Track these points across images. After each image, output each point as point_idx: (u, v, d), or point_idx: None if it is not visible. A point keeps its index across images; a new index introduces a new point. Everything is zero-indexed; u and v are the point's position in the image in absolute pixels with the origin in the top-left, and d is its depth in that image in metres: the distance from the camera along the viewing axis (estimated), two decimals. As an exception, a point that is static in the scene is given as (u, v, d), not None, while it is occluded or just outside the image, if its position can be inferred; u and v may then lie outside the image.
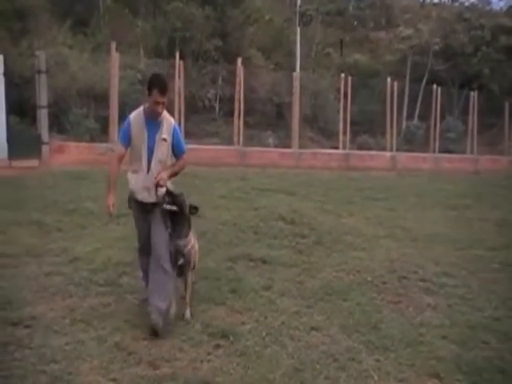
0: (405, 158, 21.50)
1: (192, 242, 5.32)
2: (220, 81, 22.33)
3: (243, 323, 5.23)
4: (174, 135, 5.28)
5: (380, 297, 6.15)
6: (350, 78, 20.99)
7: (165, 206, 5.09)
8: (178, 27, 22.02)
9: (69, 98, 17.76)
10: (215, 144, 19.01)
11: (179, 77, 17.63)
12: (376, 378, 4.40)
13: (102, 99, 16.90)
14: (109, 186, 5.27)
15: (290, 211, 9.59)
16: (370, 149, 22.09)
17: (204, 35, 22.56)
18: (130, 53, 19.39)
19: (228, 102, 20.83)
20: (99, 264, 6.62)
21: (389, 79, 21.89)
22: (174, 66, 17.62)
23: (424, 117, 24.98)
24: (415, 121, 26.13)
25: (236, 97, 18.56)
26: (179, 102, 17.60)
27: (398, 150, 22.04)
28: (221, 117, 22.11)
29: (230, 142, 18.79)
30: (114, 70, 16.02)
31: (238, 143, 18.49)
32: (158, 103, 5.05)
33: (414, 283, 6.64)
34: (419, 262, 7.47)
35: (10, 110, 14.73)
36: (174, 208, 5.12)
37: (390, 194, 13.48)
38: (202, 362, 4.52)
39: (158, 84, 5.04)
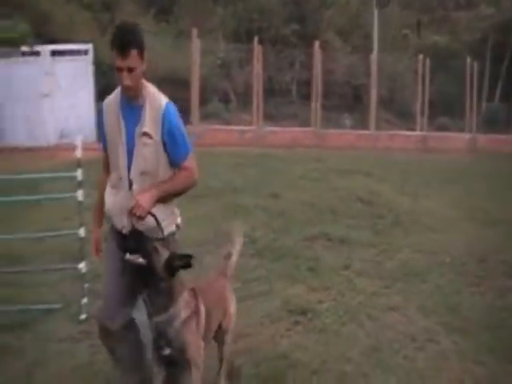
0: (485, 140, 20.65)
1: (183, 315, 3.15)
2: (298, 64, 22.17)
3: (321, 301, 5.21)
4: (164, 127, 3.11)
5: (459, 279, 5.98)
6: (427, 60, 20.33)
7: (127, 256, 3.01)
8: (256, 14, 21.98)
9: (152, 82, 18.08)
10: (292, 126, 18.94)
11: (258, 61, 17.62)
12: (454, 359, 4.28)
13: (183, 84, 17.13)
14: (94, 212, 3.47)
15: (368, 192, 9.45)
16: (448, 130, 21.38)
17: (281, 20, 22.41)
18: (210, 38, 19.53)
19: (305, 85, 20.67)
20: (179, 241, 6.73)
21: (468, 59, 21.05)
22: (252, 51, 17.62)
23: (506, 97, 23.87)
24: (496, 102, 25.05)
25: (313, 80, 18.39)
26: (257, 86, 17.61)
27: (477, 131, 21.22)
28: (298, 99, 21.98)
29: (307, 124, 18.66)
30: (196, 56, 16.20)
31: (315, 125, 18.34)
32: (120, 70, 2.99)
33: (495, 266, 6.40)
34: (499, 244, 7.19)
35: (99, 96, 15.19)
36: (140, 261, 3.00)
37: (469, 176, 13.02)
38: (281, 337, 4.55)
39: (115, 40, 2.97)
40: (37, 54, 14.46)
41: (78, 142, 4.93)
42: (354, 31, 27.14)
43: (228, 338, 3.76)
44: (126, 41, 2.95)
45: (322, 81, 18.58)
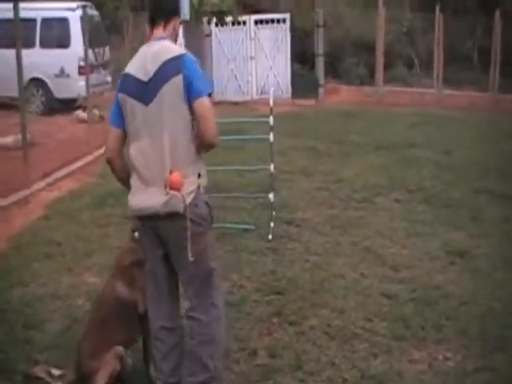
0: None
1: None
2: (478, 32, 20.52)
3: (478, 247, 5.04)
4: None
5: None
6: None
7: None
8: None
9: (342, 48, 18.24)
10: (471, 91, 17.74)
11: (439, 29, 16.75)
12: None
13: (370, 49, 16.87)
14: None
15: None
16: None
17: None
18: (397, 8, 18.90)
19: (486, 53, 19.11)
20: (359, 185, 6.89)
21: None
22: (434, 19, 16.78)
23: None
24: None
25: (492, 47, 16.95)
26: (438, 52, 16.78)
27: None
28: (478, 66, 20.45)
29: (485, 89, 17.35)
30: (381, 23, 15.92)
31: (493, 90, 16.97)
32: None
33: None
34: None
35: (294, 58, 15.78)
36: None
37: None
38: (437, 272, 4.54)
39: None
40: (243, 23, 15.27)
41: (271, 92, 5.38)
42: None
43: None
44: None
45: (502, 48, 17.01)
